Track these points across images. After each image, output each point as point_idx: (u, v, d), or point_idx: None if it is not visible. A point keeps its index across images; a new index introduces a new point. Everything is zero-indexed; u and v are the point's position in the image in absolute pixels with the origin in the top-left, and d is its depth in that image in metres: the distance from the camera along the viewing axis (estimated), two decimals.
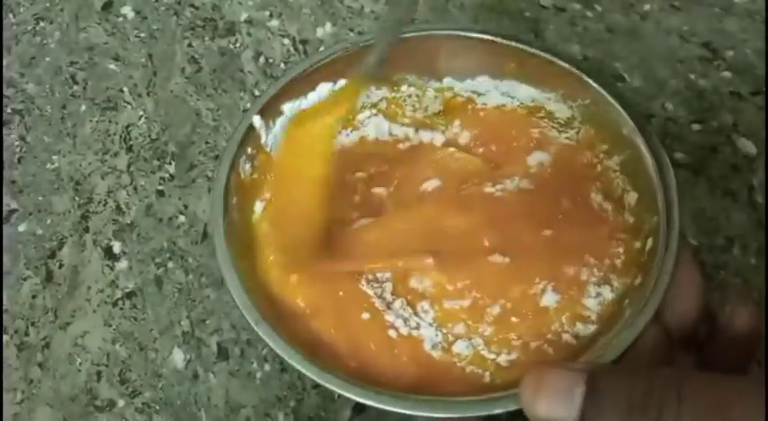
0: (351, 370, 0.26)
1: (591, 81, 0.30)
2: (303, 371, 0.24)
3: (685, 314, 0.25)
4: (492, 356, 0.26)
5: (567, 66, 0.31)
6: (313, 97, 0.32)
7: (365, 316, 0.28)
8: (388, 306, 0.28)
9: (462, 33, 0.33)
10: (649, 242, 0.26)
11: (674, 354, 0.25)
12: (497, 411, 0.23)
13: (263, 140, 0.31)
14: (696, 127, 0.41)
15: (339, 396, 0.35)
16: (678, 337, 0.25)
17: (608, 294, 0.27)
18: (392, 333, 0.27)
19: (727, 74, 0.43)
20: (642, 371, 0.20)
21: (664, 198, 0.27)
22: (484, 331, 0.27)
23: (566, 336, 0.26)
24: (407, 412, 0.23)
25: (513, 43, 0.32)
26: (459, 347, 0.27)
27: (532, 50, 0.31)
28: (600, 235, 0.28)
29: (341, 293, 0.28)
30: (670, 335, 0.25)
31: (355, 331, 0.27)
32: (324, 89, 0.32)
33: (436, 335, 0.27)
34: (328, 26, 0.48)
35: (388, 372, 0.26)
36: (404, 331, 0.27)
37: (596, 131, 0.31)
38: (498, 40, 0.32)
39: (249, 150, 0.30)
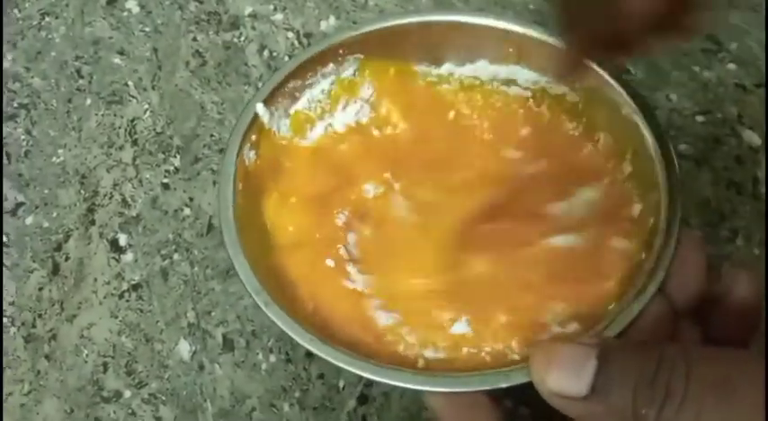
0: (308, 313, 0.26)
1: (591, 63, 0.30)
2: (314, 350, 0.24)
3: (689, 287, 0.25)
4: (413, 341, 0.27)
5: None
6: (316, 86, 0.33)
7: (329, 263, 0.29)
8: (351, 259, 0.29)
9: (461, 19, 0.33)
10: (651, 219, 0.26)
11: (679, 328, 0.25)
12: (504, 385, 0.23)
13: (267, 128, 0.31)
14: (700, 119, 0.41)
15: (345, 386, 0.35)
16: (683, 311, 0.25)
17: (573, 327, 0.26)
18: (348, 283, 0.28)
19: (731, 66, 0.43)
20: (651, 347, 0.20)
21: (664, 174, 0.27)
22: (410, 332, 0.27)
23: (513, 356, 0.26)
24: (419, 388, 0.23)
25: (514, 27, 0.32)
26: (384, 318, 0.27)
27: (533, 34, 0.32)
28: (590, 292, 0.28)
29: (317, 236, 0.30)
30: (675, 308, 0.25)
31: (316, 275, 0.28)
32: (327, 79, 0.33)
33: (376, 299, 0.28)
34: (332, 19, 0.48)
35: (343, 324, 0.27)
36: (359, 286, 0.28)
37: (598, 114, 0.31)
38: (498, 24, 0.32)
39: (253, 138, 0.31)
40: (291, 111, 0.33)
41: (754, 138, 0.40)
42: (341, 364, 0.24)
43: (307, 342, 0.24)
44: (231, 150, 0.30)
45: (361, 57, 0.33)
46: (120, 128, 0.45)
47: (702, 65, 0.43)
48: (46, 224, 0.42)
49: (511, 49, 0.33)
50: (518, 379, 0.23)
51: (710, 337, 0.26)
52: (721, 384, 0.18)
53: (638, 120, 0.29)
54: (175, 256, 0.40)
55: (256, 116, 0.31)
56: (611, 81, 0.30)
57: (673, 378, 0.19)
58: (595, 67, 0.30)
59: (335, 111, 0.34)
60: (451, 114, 0.34)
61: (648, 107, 0.29)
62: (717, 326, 0.26)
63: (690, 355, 0.19)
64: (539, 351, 0.21)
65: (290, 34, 0.47)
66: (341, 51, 0.33)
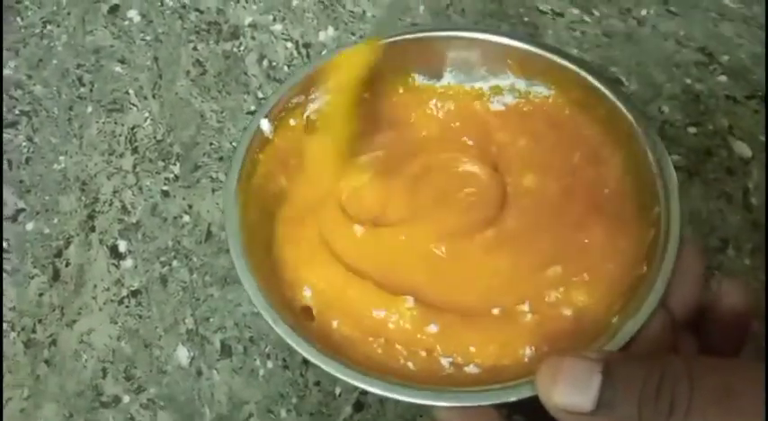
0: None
1: (587, 76, 0.31)
2: (322, 366, 0.25)
3: (688, 300, 0.26)
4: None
5: (563, 61, 0.32)
6: (318, 100, 0.33)
7: None
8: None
9: (463, 34, 0.33)
10: (652, 232, 0.27)
11: (679, 339, 0.26)
12: (512, 399, 0.23)
13: (271, 142, 0.32)
14: (692, 130, 0.41)
15: (341, 393, 0.35)
16: (681, 322, 0.26)
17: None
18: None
19: (722, 78, 0.43)
20: (655, 359, 0.20)
21: (663, 187, 0.27)
22: None
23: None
24: (423, 402, 0.24)
25: (514, 42, 0.32)
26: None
27: (534, 49, 0.32)
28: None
29: None
30: (674, 320, 0.25)
31: None
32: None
33: None
34: (330, 30, 0.48)
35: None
36: None
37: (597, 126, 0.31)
38: (499, 39, 0.33)
39: (258, 152, 0.31)
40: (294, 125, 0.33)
41: (744, 150, 0.40)
42: (356, 382, 0.24)
43: (312, 356, 0.25)
44: (235, 165, 0.30)
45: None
46: (120, 135, 0.45)
47: (694, 77, 0.43)
48: (46, 230, 0.42)
49: (509, 61, 0.33)
50: (526, 393, 0.23)
51: (705, 346, 0.26)
52: (724, 393, 0.19)
53: (638, 133, 0.29)
54: (174, 263, 0.40)
55: (260, 131, 0.31)
56: (610, 95, 0.30)
57: (677, 390, 0.19)
58: (594, 80, 0.31)
59: None
60: (456, 124, 0.34)
61: (647, 121, 0.30)
62: (711, 335, 0.26)
63: (692, 367, 0.20)
64: (545, 366, 0.21)
65: (289, 44, 0.48)
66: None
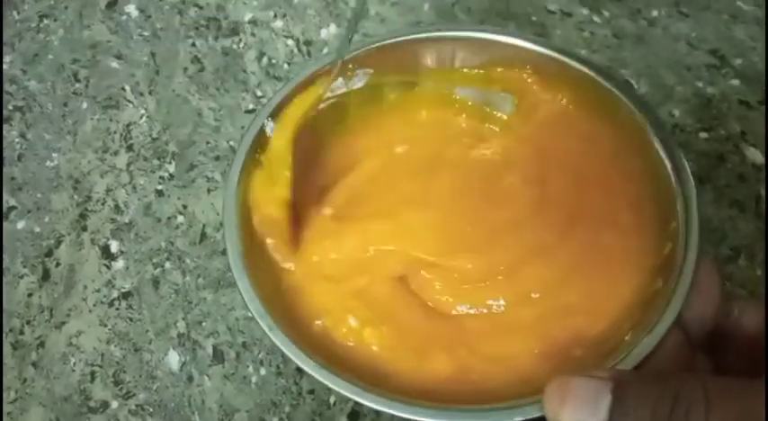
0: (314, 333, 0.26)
1: (606, 84, 0.30)
2: (319, 377, 0.24)
3: (704, 318, 0.25)
4: None
5: (581, 67, 0.30)
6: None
7: None
8: None
9: (475, 35, 0.32)
10: (668, 246, 0.26)
11: (695, 358, 0.25)
12: (518, 419, 0.22)
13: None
14: (703, 135, 0.40)
15: (336, 402, 0.34)
16: (697, 341, 0.25)
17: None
18: None
19: (735, 82, 0.42)
20: (668, 379, 0.19)
21: (682, 201, 0.26)
22: None
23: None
24: (424, 420, 0.23)
25: (528, 44, 0.31)
26: None
27: (546, 51, 0.31)
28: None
29: None
30: (690, 338, 0.25)
31: None
32: (334, 93, 0.32)
33: None
34: (332, 27, 0.47)
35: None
36: None
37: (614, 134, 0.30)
38: (512, 40, 0.31)
39: (259, 153, 0.30)
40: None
41: (757, 156, 0.39)
42: (353, 396, 0.24)
43: (306, 365, 0.24)
44: (236, 166, 0.29)
45: (371, 71, 0.32)
46: (115, 133, 0.44)
47: (706, 80, 0.42)
48: (37, 229, 0.41)
49: (528, 66, 0.32)
50: (532, 413, 0.22)
51: (721, 366, 0.25)
52: (743, 416, 0.18)
53: (657, 144, 0.28)
54: (167, 265, 0.39)
55: (262, 131, 0.30)
56: (630, 104, 0.29)
57: (692, 413, 0.18)
58: (607, 84, 0.30)
59: None
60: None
61: (666, 132, 0.28)
62: (727, 355, 0.25)
63: (708, 388, 0.19)
64: (553, 385, 0.21)
65: (290, 41, 0.47)
66: (350, 65, 0.32)
